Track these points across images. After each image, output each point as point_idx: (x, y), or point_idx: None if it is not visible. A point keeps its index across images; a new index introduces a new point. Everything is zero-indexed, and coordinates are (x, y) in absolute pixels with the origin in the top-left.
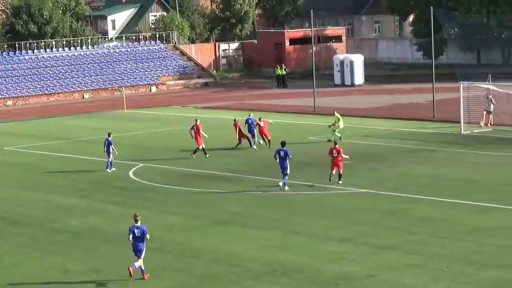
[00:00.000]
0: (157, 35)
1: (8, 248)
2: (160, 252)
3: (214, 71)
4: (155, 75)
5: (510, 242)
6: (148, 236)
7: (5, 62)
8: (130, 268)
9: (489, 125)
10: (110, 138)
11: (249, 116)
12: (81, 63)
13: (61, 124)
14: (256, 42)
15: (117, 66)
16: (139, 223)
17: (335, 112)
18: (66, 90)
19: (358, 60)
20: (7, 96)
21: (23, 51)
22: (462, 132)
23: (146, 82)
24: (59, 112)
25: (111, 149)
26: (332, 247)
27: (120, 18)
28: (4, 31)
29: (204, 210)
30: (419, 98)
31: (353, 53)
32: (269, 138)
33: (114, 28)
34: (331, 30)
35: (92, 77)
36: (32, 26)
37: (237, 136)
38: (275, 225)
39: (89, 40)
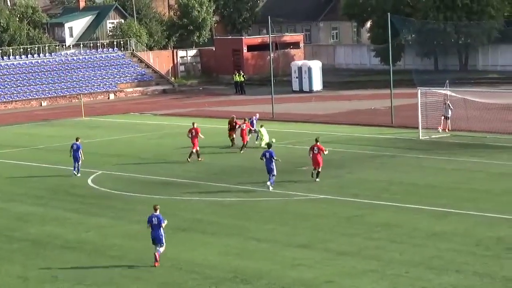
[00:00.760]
0: (115, 42)
1: None
2: (120, 260)
3: (172, 78)
4: (113, 83)
5: (468, 247)
6: (164, 224)
7: None
8: (156, 254)
9: (446, 130)
10: (78, 143)
11: (256, 116)
12: (38, 70)
13: (19, 132)
14: (214, 49)
15: (75, 74)
16: (157, 212)
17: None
18: (24, 98)
19: (316, 66)
20: None
21: None
22: (420, 138)
23: (104, 90)
24: (17, 120)
25: (79, 154)
26: (293, 254)
27: (77, 25)
28: None
29: (165, 217)
30: (377, 104)
31: (311, 59)
32: (244, 142)
33: (71, 35)
34: (289, 37)
35: (50, 84)
36: None
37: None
38: (236, 231)
39: (47, 48)
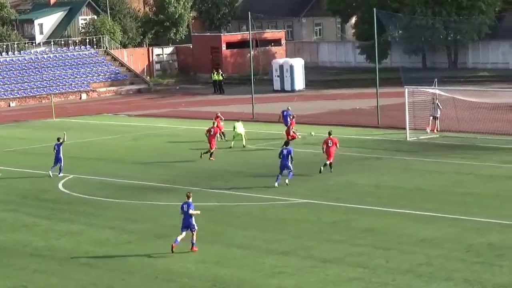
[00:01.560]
0: (88, 40)
1: None
2: (92, 268)
3: (148, 77)
4: (85, 82)
5: (458, 253)
6: (192, 211)
7: None
8: (193, 248)
9: (435, 131)
10: (59, 143)
11: (288, 109)
12: (7, 69)
13: None
14: (191, 46)
15: (45, 73)
16: (190, 200)
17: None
18: None
19: (298, 64)
20: None
21: None
22: (408, 139)
23: (76, 89)
24: None
25: (60, 155)
26: (274, 261)
27: (48, 22)
28: None
29: (139, 223)
30: (363, 103)
31: (293, 57)
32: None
33: (41, 32)
34: (270, 33)
35: (19, 84)
36: None
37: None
38: (214, 238)
39: (16, 46)
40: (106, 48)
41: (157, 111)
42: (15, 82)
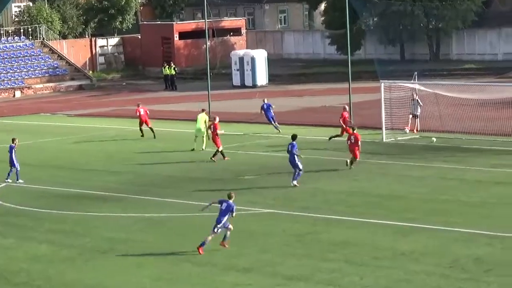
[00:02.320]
0: (22, 30)
1: None
2: None
3: (90, 72)
4: (19, 77)
5: (441, 269)
6: (234, 214)
7: None
8: (223, 243)
9: (415, 131)
10: (13, 144)
11: (264, 101)
12: None
13: None
14: (139, 36)
15: None
16: (231, 201)
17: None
18: None
19: (260, 56)
20: None
21: None
22: (384, 140)
23: (8, 86)
24: None
25: (13, 158)
26: (234, 278)
27: None
28: None
29: (81, 237)
30: (333, 100)
31: (255, 48)
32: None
33: None
34: (228, 22)
35: None
36: None
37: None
38: (166, 253)
39: None
40: (43, 39)
41: (101, 110)
42: None
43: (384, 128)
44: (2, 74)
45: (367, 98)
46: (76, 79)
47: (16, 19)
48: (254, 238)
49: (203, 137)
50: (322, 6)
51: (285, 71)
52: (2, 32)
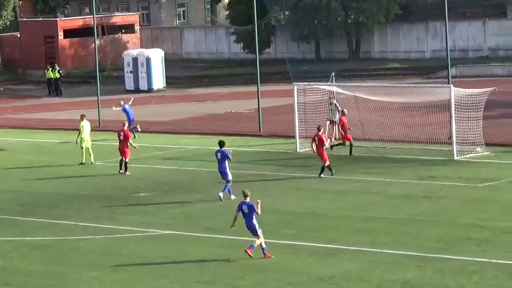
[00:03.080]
0: None
1: None
2: None
3: None
4: None
5: None
6: (259, 211)
7: None
8: (247, 250)
9: (333, 139)
10: None
11: (121, 103)
12: None
13: None
14: (18, 35)
15: None
16: (248, 199)
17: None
18: None
19: (156, 56)
20: None
21: None
22: (298, 150)
23: None
24: None
25: None
26: None
27: None
28: None
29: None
30: (240, 105)
31: (150, 47)
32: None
33: None
34: (120, 17)
35: None
36: None
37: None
38: (51, 282)
39: None
40: None
41: None
42: None
43: (297, 137)
44: None
45: (278, 102)
46: None
47: None
48: (151, 263)
49: (89, 148)
50: None
51: (185, 73)
52: None
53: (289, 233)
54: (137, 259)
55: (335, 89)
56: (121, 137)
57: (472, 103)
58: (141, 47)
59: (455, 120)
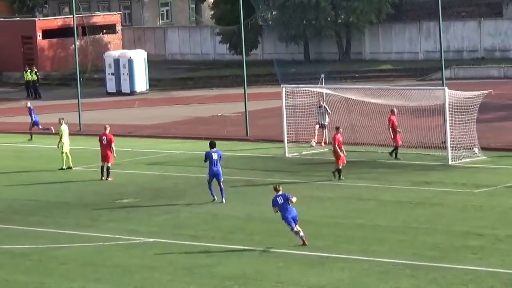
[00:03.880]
0: None
1: None
2: None
3: None
4: None
5: None
6: (293, 199)
7: None
8: (305, 241)
9: (323, 144)
10: None
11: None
12: None
13: None
14: None
15: None
16: (280, 191)
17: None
18: None
19: (139, 58)
20: None
21: None
22: (287, 155)
23: None
24: None
25: None
26: None
27: None
28: None
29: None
30: (226, 109)
31: (133, 48)
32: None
33: None
34: (101, 17)
35: None
36: None
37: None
38: None
39: None
40: None
41: None
42: None
43: (286, 141)
44: None
45: (265, 105)
46: None
47: None
48: (136, 272)
49: (67, 153)
50: None
51: (168, 75)
52: None
53: (278, 242)
54: (119, 269)
55: (324, 91)
56: (104, 142)
57: (467, 106)
58: (123, 48)
59: (450, 123)
